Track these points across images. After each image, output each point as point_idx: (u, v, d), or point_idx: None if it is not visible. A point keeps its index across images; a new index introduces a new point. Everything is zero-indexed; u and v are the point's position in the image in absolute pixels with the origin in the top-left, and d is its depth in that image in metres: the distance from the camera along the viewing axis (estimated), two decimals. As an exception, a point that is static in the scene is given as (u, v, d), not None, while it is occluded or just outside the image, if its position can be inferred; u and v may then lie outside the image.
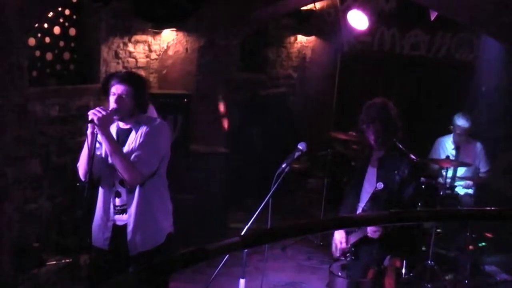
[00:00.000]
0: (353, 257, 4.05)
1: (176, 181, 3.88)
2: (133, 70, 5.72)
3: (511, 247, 5.77)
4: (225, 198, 6.15)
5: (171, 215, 3.62)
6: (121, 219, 3.46)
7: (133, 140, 3.42)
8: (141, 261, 3.40)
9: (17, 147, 4.55)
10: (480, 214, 1.78)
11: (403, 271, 5.02)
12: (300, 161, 6.88)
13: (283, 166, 3.64)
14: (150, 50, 6.12)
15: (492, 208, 1.58)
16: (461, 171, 5.84)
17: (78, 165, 3.46)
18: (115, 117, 3.38)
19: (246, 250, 3.50)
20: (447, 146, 5.97)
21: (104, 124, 3.24)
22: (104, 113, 3.23)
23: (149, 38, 6.05)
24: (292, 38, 8.32)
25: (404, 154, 4.00)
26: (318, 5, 7.80)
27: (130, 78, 3.46)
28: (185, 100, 5.92)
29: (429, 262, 5.20)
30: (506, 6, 4.64)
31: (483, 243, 5.57)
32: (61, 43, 5.31)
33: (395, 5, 7.50)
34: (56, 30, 5.22)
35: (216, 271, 3.68)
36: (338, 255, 4.13)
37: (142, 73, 5.75)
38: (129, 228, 3.42)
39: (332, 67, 8.38)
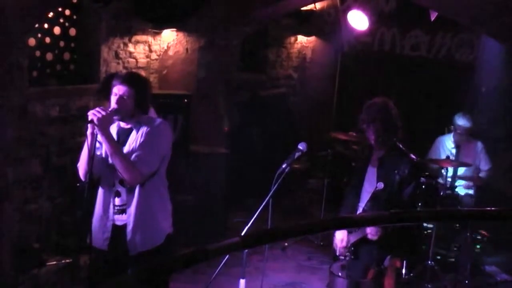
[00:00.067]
0: (352, 257, 4.05)
1: (176, 181, 3.88)
2: (134, 70, 5.72)
3: (511, 247, 5.77)
4: (225, 199, 6.16)
5: (171, 216, 3.62)
6: (120, 219, 3.45)
7: (134, 139, 3.42)
8: (140, 261, 3.40)
9: (17, 148, 4.56)
10: (480, 214, 1.78)
11: (403, 271, 5.02)
12: (301, 161, 6.88)
13: (284, 166, 3.64)
14: (151, 51, 6.12)
15: (493, 208, 1.57)
16: (461, 170, 5.84)
17: (78, 165, 3.46)
18: (115, 118, 3.37)
19: (246, 251, 3.50)
20: (447, 145, 5.97)
21: (104, 124, 3.24)
22: (104, 113, 3.23)
23: (149, 39, 6.05)
24: (292, 39, 8.32)
25: (404, 154, 4.01)
26: (318, 5, 7.81)
27: (132, 79, 3.45)
28: (185, 100, 5.92)
29: (429, 262, 5.20)
30: (506, 6, 4.64)
31: (479, 245, 5.57)
32: (61, 43, 5.31)
33: (395, 6, 7.50)
34: (56, 30, 5.22)
35: (216, 271, 3.68)
36: (338, 253, 4.13)
37: (143, 73, 5.74)
38: (129, 228, 3.42)
39: (332, 68, 8.38)
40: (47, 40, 5.14)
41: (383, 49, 7.82)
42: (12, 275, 4.42)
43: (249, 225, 3.52)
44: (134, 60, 5.91)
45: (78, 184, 4.51)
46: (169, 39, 6.28)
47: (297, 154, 3.74)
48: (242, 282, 3.55)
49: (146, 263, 1.52)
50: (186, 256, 1.47)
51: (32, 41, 4.94)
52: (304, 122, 8.34)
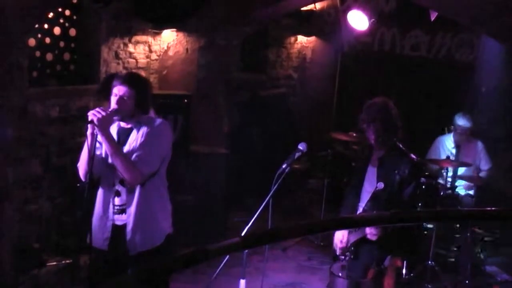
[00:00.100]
0: (353, 257, 4.05)
1: (176, 181, 3.88)
2: (134, 70, 5.72)
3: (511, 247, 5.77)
4: (225, 199, 6.16)
5: (171, 216, 3.62)
6: (120, 219, 3.45)
7: (134, 139, 3.42)
8: (140, 261, 3.40)
9: (17, 148, 4.56)
10: (480, 214, 1.78)
11: (404, 271, 5.02)
12: (301, 162, 6.88)
13: (284, 166, 3.64)
14: (151, 51, 6.12)
15: (493, 208, 1.57)
16: (461, 170, 5.84)
17: (78, 165, 3.45)
18: (115, 118, 3.37)
19: (246, 251, 3.50)
20: (447, 145, 5.97)
21: (104, 124, 3.23)
22: (104, 113, 3.23)
23: (149, 39, 6.05)
24: (292, 39, 8.32)
25: (405, 154, 4.01)
26: (318, 5, 7.81)
27: (132, 79, 3.45)
28: (185, 100, 5.92)
29: (429, 262, 5.20)
30: (506, 6, 4.64)
31: (483, 251, 5.57)
32: (61, 44, 5.31)
33: (395, 6, 7.50)
34: (56, 30, 5.22)
35: (217, 271, 3.68)
36: (338, 253, 4.13)
37: (143, 73, 5.75)
38: (128, 227, 3.42)
39: (332, 68, 8.38)
40: (47, 40, 5.14)
41: (383, 49, 7.83)
42: (12, 275, 4.42)
43: (249, 225, 3.52)
44: (134, 60, 5.91)
45: (78, 184, 4.51)
46: (169, 39, 6.28)
47: (297, 154, 3.74)
48: (242, 282, 3.55)
49: (146, 263, 1.52)
50: (186, 256, 1.47)
51: (32, 42, 4.94)
52: (304, 122, 8.34)
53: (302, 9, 7.64)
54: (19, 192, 4.66)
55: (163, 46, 6.26)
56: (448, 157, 5.62)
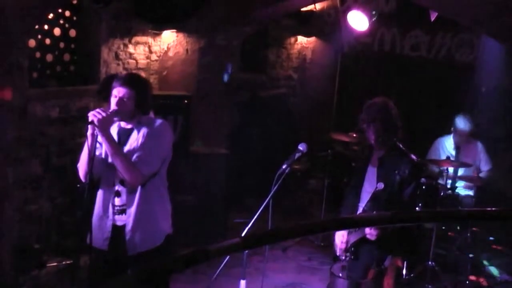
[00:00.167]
0: (353, 258, 4.05)
1: (176, 182, 3.89)
2: (134, 71, 5.72)
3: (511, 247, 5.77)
4: (225, 199, 6.16)
5: (170, 216, 3.63)
6: (120, 219, 3.46)
7: (135, 140, 3.42)
8: (140, 261, 3.40)
9: (17, 148, 4.56)
10: (480, 214, 1.78)
11: (404, 271, 5.02)
12: (301, 162, 6.88)
13: (284, 167, 3.65)
14: (151, 51, 6.12)
15: (493, 208, 1.57)
16: (461, 170, 5.84)
17: (78, 166, 3.46)
18: (115, 119, 3.38)
19: (246, 251, 3.50)
20: (447, 146, 5.97)
21: (104, 125, 3.24)
22: (104, 114, 3.23)
23: (149, 39, 6.05)
24: (293, 39, 8.32)
25: (405, 154, 4.01)
26: (318, 6, 7.79)
27: (132, 80, 3.45)
28: (186, 101, 5.92)
29: (429, 262, 5.20)
30: (506, 6, 4.64)
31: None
32: (61, 45, 5.31)
33: (395, 6, 7.50)
34: (56, 31, 5.22)
35: (217, 272, 3.68)
36: (338, 253, 4.13)
37: (143, 74, 5.75)
38: (128, 228, 3.42)
39: (332, 68, 8.38)
40: (47, 41, 5.14)
41: (383, 50, 7.82)
42: (12, 276, 4.42)
43: (249, 225, 3.53)
44: (134, 61, 5.91)
45: (78, 185, 4.51)
46: (169, 40, 6.28)
47: (297, 155, 3.74)
48: (242, 283, 3.55)
49: (145, 263, 1.52)
50: (186, 257, 1.47)
51: (32, 42, 4.94)
52: (304, 122, 8.34)
53: (302, 9, 7.63)
54: (19, 192, 4.66)
55: (163, 46, 6.26)
56: (448, 158, 5.62)
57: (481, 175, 5.93)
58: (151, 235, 3.47)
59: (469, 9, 5.07)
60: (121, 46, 5.71)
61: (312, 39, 8.51)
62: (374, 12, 5.92)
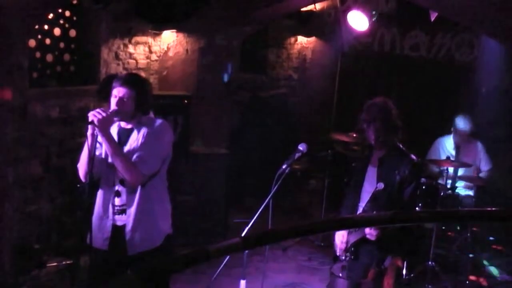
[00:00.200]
0: (353, 257, 4.05)
1: (176, 182, 3.89)
2: (134, 71, 5.72)
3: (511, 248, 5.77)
4: (225, 199, 6.16)
5: (170, 216, 3.63)
6: (120, 219, 3.46)
7: (135, 140, 3.42)
8: (140, 261, 3.40)
9: (17, 148, 4.56)
10: (480, 214, 1.78)
11: (404, 271, 5.02)
12: (301, 162, 6.88)
13: (284, 167, 3.65)
14: (151, 51, 6.12)
15: (493, 209, 1.58)
16: (461, 170, 5.84)
17: (78, 166, 3.46)
18: (115, 119, 3.38)
19: (246, 251, 3.50)
20: (447, 146, 5.97)
21: (104, 125, 3.24)
22: (104, 114, 3.23)
23: (149, 39, 6.05)
24: (293, 39, 8.32)
25: (405, 154, 4.01)
26: (318, 6, 7.79)
27: (132, 81, 3.45)
28: (186, 101, 5.92)
29: (429, 262, 5.20)
30: (506, 6, 4.64)
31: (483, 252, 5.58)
32: (62, 45, 5.31)
33: (395, 6, 7.50)
34: (57, 31, 5.22)
35: (217, 272, 3.68)
36: (338, 253, 4.13)
37: (143, 74, 5.75)
38: (128, 228, 3.43)
39: (332, 68, 8.37)
40: (47, 41, 5.14)
41: (383, 50, 7.82)
42: (12, 276, 4.42)
43: (249, 225, 3.53)
44: (134, 61, 5.92)
45: (78, 185, 4.52)
46: (169, 40, 6.29)
47: (297, 155, 3.74)
48: (242, 283, 3.55)
49: (145, 264, 1.52)
50: (186, 257, 1.47)
51: (32, 42, 4.95)
52: (304, 122, 8.34)
53: (302, 9, 7.63)
54: (19, 192, 4.66)
55: (163, 46, 6.27)
56: (448, 158, 5.62)
57: (481, 175, 5.93)
58: (151, 235, 3.47)
59: (469, 9, 5.07)
60: (121, 46, 5.72)
61: (312, 39, 8.51)
62: (374, 12, 5.91)
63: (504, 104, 6.65)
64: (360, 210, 4.08)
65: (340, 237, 4.09)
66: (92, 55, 5.49)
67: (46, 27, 5.10)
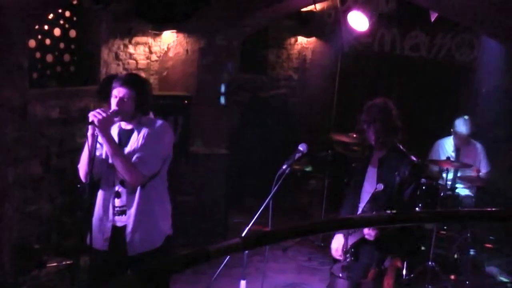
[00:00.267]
0: (353, 258, 4.05)
1: (176, 182, 3.89)
2: (134, 71, 5.73)
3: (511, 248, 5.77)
4: (225, 199, 6.16)
5: (170, 217, 3.62)
6: (120, 220, 3.45)
7: (135, 140, 3.42)
8: (140, 262, 3.40)
9: (17, 148, 4.56)
10: (480, 215, 1.78)
11: (404, 272, 5.02)
12: (301, 162, 6.88)
13: (284, 167, 3.64)
14: (151, 52, 6.13)
15: (493, 208, 1.58)
16: (461, 170, 5.84)
17: (78, 166, 3.46)
18: (115, 119, 3.38)
19: (247, 251, 3.50)
20: (447, 148, 5.97)
21: (104, 126, 3.24)
22: (104, 115, 3.23)
23: (149, 40, 6.06)
24: (293, 40, 8.33)
25: (405, 155, 4.01)
26: (318, 6, 7.79)
27: (132, 81, 3.45)
28: (186, 101, 5.92)
29: (429, 263, 5.20)
30: (506, 6, 4.64)
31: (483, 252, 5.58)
32: (62, 45, 5.31)
33: (395, 6, 7.50)
34: (57, 32, 5.22)
35: (217, 272, 3.68)
36: (337, 257, 4.13)
37: (143, 74, 5.75)
38: (128, 229, 3.42)
39: (332, 68, 8.38)
40: (47, 41, 5.14)
41: (383, 50, 7.83)
42: (12, 276, 4.42)
43: (249, 226, 3.53)
44: (134, 61, 5.92)
45: (78, 185, 4.52)
46: (169, 40, 6.29)
47: (297, 155, 3.74)
48: (242, 283, 3.55)
49: (146, 264, 1.52)
50: (186, 257, 1.47)
51: (32, 43, 4.95)
52: (304, 122, 8.35)
53: (302, 10, 7.63)
54: (19, 192, 4.66)
55: (163, 47, 6.27)
56: (448, 158, 5.62)
57: (480, 175, 5.93)
58: (151, 236, 3.47)
59: (469, 9, 5.07)
60: (121, 47, 5.72)
61: (312, 39, 8.51)
62: (374, 13, 5.92)
63: (504, 104, 6.65)
64: (360, 210, 4.08)
65: (336, 246, 4.08)
66: (92, 55, 5.49)
67: (46, 27, 5.10)
